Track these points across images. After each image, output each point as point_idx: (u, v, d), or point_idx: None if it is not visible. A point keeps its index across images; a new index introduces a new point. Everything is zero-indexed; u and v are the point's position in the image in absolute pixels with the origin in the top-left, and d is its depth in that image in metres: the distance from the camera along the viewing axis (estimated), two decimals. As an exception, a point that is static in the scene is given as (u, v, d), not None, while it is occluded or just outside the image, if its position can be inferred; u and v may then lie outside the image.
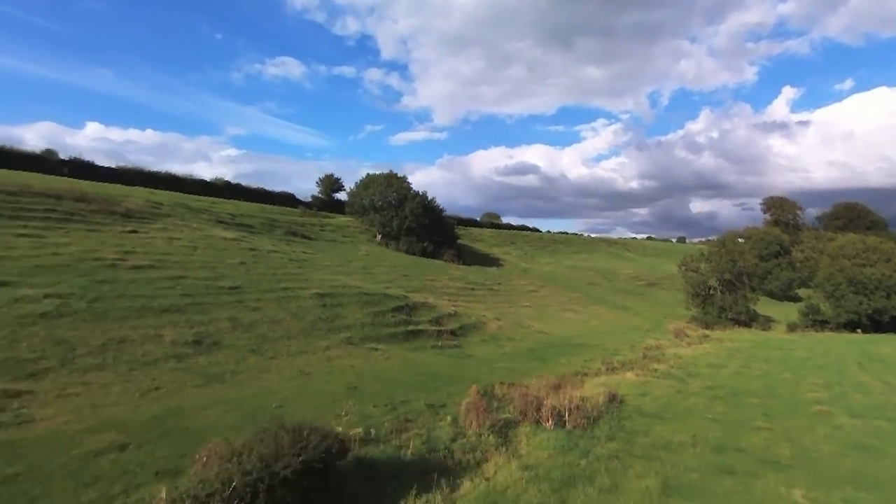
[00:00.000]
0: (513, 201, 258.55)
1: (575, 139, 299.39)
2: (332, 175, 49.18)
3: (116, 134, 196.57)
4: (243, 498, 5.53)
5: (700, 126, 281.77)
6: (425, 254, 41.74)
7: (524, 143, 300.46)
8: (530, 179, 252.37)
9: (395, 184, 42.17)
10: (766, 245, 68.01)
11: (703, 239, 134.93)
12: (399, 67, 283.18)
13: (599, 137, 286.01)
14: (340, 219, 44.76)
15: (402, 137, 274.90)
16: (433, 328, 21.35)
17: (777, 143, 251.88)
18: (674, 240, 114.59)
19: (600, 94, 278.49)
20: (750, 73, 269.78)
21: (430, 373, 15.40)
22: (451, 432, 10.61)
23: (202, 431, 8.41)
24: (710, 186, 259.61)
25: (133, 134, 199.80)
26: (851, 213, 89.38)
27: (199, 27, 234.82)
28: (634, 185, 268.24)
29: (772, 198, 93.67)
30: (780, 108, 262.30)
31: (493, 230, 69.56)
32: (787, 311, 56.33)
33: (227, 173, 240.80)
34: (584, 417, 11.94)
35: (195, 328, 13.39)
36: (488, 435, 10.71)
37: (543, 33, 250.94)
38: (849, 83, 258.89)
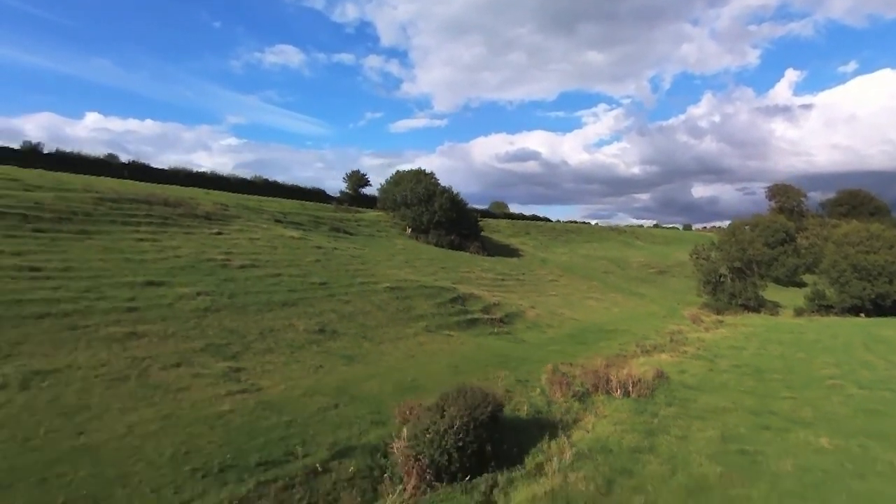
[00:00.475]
0: (514, 188, 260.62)
1: (576, 125, 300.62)
2: (358, 171, 51.74)
3: (116, 124, 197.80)
4: (460, 433, 8.35)
5: (702, 110, 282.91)
6: (453, 246, 44.46)
7: (525, 129, 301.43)
8: (531, 166, 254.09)
9: (423, 180, 44.81)
10: (772, 233, 70.77)
11: (709, 225, 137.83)
12: (399, 54, 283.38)
13: (601, 123, 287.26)
14: (371, 213, 47.44)
15: (403, 125, 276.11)
16: (486, 317, 24.13)
17: (779, 127, 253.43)
18: (680, 227, 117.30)
19: (601, 79, 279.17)
20: (752, 57, 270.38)
21: (502, 354, 18.23)
22: (544, 400, 13.45)
23: (375, 396, 11.26)
24: (712, 171, 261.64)
25: (132, 124, 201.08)
26: (855, 200, 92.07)
27: (198, 15, 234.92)
28: (636, 170, 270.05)
29: (777, 185, 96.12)
30: (782, 91, 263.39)
31: (508, 220, 72.21)
32: (792, 297, 59.07)
33: (228, 163, 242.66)
34: (644, 389, 14.80)
35: (313, 319, 16.18)
36: (573, 402, 13.57)
37: (544, 18, 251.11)
38: (852, 65, 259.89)
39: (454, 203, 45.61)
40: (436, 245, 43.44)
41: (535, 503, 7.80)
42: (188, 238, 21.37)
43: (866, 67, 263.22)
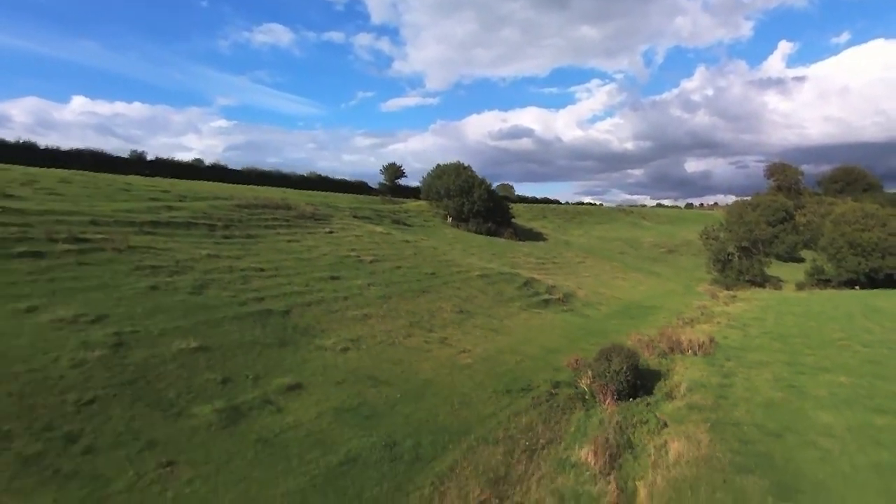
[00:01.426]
0: (508, 166, 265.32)
1: (569, 101, 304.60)
2: (394, 164, 56.47)
3: (104, 108, 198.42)
4: (627, 372, 13.64)
5: (695, 84, 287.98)
6: (489, 233, 49.66)
7: (518, 106, 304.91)
8: (525, 143, 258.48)
9: (462, 173, 49.73)
10: (773, 212, 76.67)
11: (706, 202, 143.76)
12: (390, 31, 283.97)
13: (594, 98, 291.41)
14: (412, 204, 52.37)
15: (395, 104, 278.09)
16: (552, 297, 29.38)
17: (772, 100, 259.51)
18: (682, 205, 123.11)
19: (595, 53, 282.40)
20: (746, 29, 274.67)
21: (584, 328, 23.56)
22: (641, 358, 18.80)
23: (536, 355, 16.54)
24: (705, 145, 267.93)
25: (120, 107, 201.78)
26: (849, 177, 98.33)
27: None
28: (629, 145, 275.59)
29: (775, 164, 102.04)
30: (775, 63, 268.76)
31: (525, 205, 77.29)
32: (792, 271, 65.07)
33: (219, 145, 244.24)
34: (706, 349, 20.24)
35: (448, 302, 21.35)
36: (659, 359, 18.94)
37: None
38: (845, 36, 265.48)
39: (490, 194, 50.67)
40: (475, 232, 48.58)
41: (678, 412, 13.13)
42: (315, 238, 26.32)
43: (859, 38, 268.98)
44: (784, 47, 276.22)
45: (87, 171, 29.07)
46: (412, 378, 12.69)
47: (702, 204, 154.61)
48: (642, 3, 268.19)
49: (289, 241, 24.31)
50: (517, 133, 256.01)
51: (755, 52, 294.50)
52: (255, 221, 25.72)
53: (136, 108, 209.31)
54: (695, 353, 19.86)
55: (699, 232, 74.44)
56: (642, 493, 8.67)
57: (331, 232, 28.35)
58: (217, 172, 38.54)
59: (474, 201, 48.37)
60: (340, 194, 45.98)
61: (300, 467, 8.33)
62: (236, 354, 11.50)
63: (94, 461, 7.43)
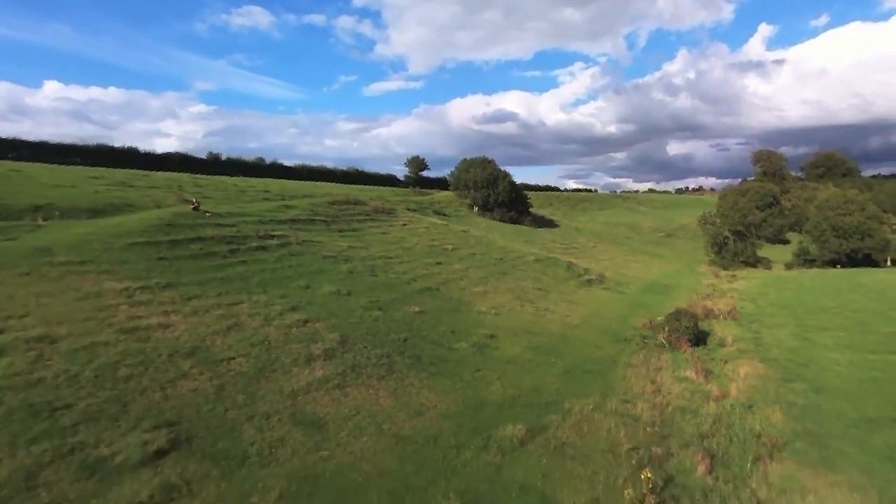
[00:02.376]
0: (492, 150, 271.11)
1: (552, 84, 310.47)
2: (418, 157, 61.45)
3: (78, 93, 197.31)
4: (692, 327, 19.43)
5: (677, 67, 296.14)
6: (512, 221, 55.21)
7: (501, 89, 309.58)
8: (509, 127, 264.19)
9: (487, 167, 55.09)
10: (761, 197, 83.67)
11: (689, 186, 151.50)
12: (371, 14, 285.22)
13: (577, 82, 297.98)
14: (439, 194, 57.60)
15: (377, 88, 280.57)
16: (591, 278, 35.14)
17: (752, 83, 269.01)
18: (671, 190, 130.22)
19: (577, 36, 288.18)
20: (727, 11, 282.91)
21: (629, 301, 29.32)
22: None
23: (613, 318, 22.25)
24: (687, 128, 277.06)
25: (95, 92, 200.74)
26: (830, 162, 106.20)
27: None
28: (612, 129, 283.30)
29: (760, 151, 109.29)
30: (755, 46, 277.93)
31: (532, 192, 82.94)
32: (780, 253, 72.00)
33: (198, 130, 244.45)
34: (734, 315, 26.19)
35: (526, 282, 26.88)
36: (701, 322, 24.80)
37: None
38: (824, 18, 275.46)
39: (512, 185, 56.20)
40: (500, 221, 54.07)
41: (731, 353, 18.93)
42: (397, 230, 31.55)
43: (837, 20, 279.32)
44: (764, 30, 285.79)
45: (203, 175, 33.62)
46: (552, 332, 18.25)
47: (687, 187, 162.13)
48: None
49: (382, 233, 29.51)
50: (501, 117, 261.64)
51: (736, 34, 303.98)
52: (347, 217, 30.82)
53: (112, 94, 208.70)
54: (725, 318, 25.80)
55: (693, 216, 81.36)
56: (733, 391, 14.36)
57: (404, 225, 33.54)
58: (274, 170, 43.19)
59: (499, 192, 53.82)
60: (376, 187, 50.97)
61: (537, 371, 13.82)
62: (441, 316, 16.89)
63: (433, 368, 12.80)
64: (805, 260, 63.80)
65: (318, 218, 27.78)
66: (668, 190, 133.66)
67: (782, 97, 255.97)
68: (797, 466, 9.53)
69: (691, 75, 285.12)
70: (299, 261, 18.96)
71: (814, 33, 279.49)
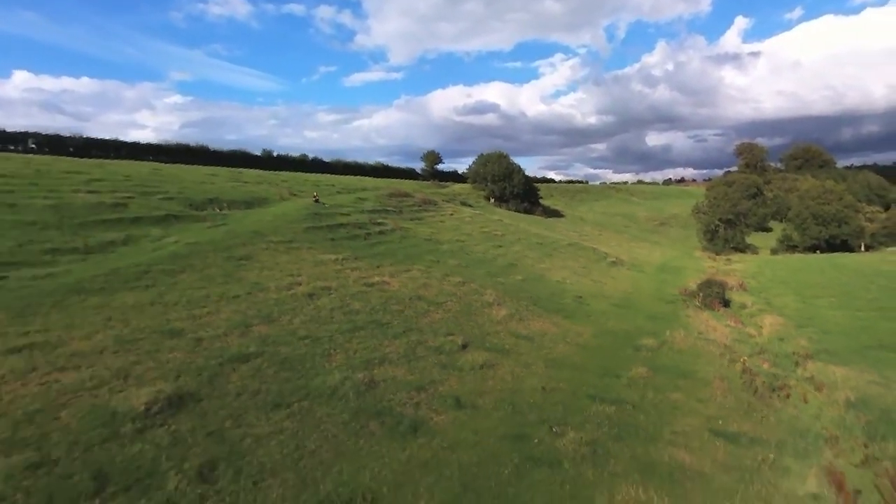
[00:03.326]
0: (473, 141, 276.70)
1: (533, 75, 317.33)
2: (433, 151, 66.55)
3: (49, 83, 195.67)
4: (722, 292, 25.29)
5: (656, 59, 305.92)
6: (525, 211, 60.85)
7: (482, 80, 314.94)
8: (490, 118, 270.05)
9: (503, 162, 60.58)
10: (746, 188, 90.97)
11: (674, 176, 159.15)
12: (351, 4, 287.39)
13: (557, 73, 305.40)
14: (456, 187, 62.87)
15: (358, 78, 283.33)
16: (614, 260, 40.93)
17: (729, 75, 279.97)
18: (660, 181, 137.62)
19: (558, 27, 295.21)
20: (705, 4, 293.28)
21: (652, 278, 35.18)
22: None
23: (654, 289, 28.01)
24: (666, 119, 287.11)
25: (67, 83, 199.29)
26: (807, 154, 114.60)
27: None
28: (592, 120, 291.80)
29: (742, 144, 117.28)
30: (732, 38, 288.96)
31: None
32: (763, 239, 79.29)
33: (175, 122, 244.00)
34: (744, 287, 32.19)
35: (572, 261, 32.48)
36: (718, 293, 30.74)
37: None
38: (798, 11, 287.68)
39: (526, 178, 61.83)
40: (515, 211, 59.63)
41: (754, 312, 24.76)
42: (450, 219, 36.79)
43: (811, 13, 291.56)
44: (740, 22, 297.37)
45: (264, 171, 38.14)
46: (618, 296, 23.84)
47: (671, 179, 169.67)
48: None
49: (440, 221, 34.72)
50: (482, 108, 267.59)
51: (713, 27, 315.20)
52: (406, 208, 35.92)
53: (85, 84, 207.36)
54: (737, 290, 31.79)
55: (682, 206, 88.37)
56: (765, 332, 20.12)
57: (452, 214, 38.78)
58: (317, 164, 47.77)
59: (514, 185, 59.42)
60: (402, 180, 55.94)
61: (629, 318, 19.32)
62: (535, 284, 22.29)
63: (561, 314, 18.17)
64: (788, 245, 71.11)
65: (388, 209, 32.83)
66: (656, 181, 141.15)
67: (758, 89, 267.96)
68: (824, 364, 15.20)
69: (670, 67, 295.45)
70: (412, 242, 24.12)
71: (788, 26, 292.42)
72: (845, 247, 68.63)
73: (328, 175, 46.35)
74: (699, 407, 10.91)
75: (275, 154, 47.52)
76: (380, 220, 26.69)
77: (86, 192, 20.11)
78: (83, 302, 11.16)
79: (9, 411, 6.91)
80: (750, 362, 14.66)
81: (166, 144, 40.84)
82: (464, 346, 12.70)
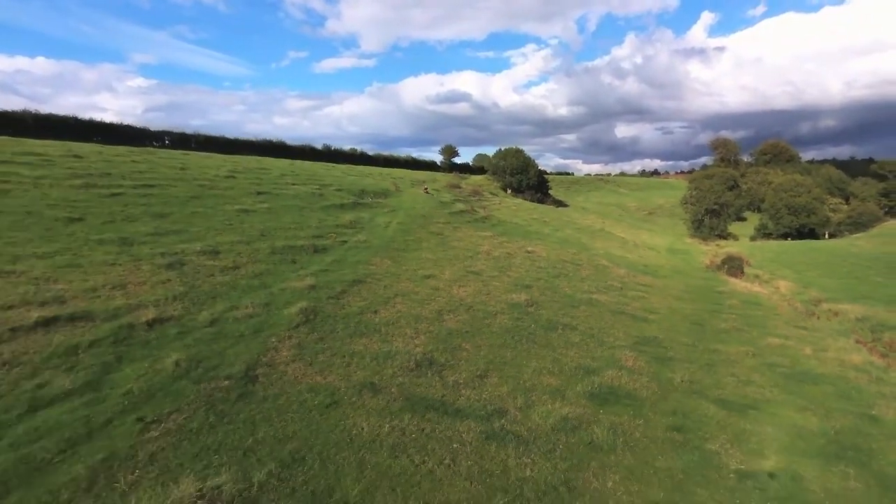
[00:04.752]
0: (445, 130, 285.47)
1: (505, 65, 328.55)
2: (450, 145, 73.87)
3: (2, 62, 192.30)
4: (741, 267, 33.96)
5: (625, 52, 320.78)
6: (539, 201, 68.96)
7: (455, 69, 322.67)
8: (462, 108, 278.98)
9: (520, 157, 68.50)
10: (724, 181, 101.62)
11: (648, 168, 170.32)
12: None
13: (529, 63, 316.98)
14: (475, 178, 70.43)
15: (329, 65, 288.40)
16: (634, 242, 49.44)
17: (695, 69, 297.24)
18: (634, 173, 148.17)
19: (530, 18, 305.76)
20: None
21: (677, 258, 43.79)
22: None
23: (684, 264, 36.51)
24: (634, 111, 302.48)
25: (22, 62, 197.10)
26: (776, 150, 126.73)
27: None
28: (563, 111, 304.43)
29: (717, 139, 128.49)
30: (698, 33, 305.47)
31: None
32: (740, 228, 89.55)
33: (138, 105, 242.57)
34: (750, 263, 41.10)
35: (611, 242, 40.73)
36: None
37: None
38: (761, 8, 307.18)
39: (539, 172, 69.96)
40: (531, 201, 67.64)
41: (765, 278, 33.43)
42: (504, 207, 44.49)
43: (774, 10, 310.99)
44: (706, 18, 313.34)
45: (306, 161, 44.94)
46: (670, 268, 32.03)
47: (643, 170, 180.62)
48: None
49: (498, 208, 42.39)
50: (455, 97, 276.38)
51: (681, 21, 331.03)
52: (469, 198, 43.38)
53: (41, 64, 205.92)
54: (746, 265, 40.63)
55: (665, 197, 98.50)
56: (782, 289, 28.62)
57: (500, 203, 46.48)
58: (364, 157, 54.49)
59: (530, 177, 67.42)
60: (433, 173, 63.20)
61: (690, 280, 27.51)
62: (613, 257, 30.28)
63: (652, 275, 26.19)
64: (764, 233, 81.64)
65: (463, 199, 40.27)
66: (625, 172, 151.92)
67: (722, 83, 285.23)
68: (834, 303, 23.62)
69: (638, 60, 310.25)
70: (506, 225, 31.71)
71: (752, 22, 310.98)
72: (812, 234, 79.56)
73: (380, 168, 53.13)
74: (776, 317, 19.04)
75: (332, 148, 53.78)
76: (474, 208, 34.12)
77: (290, 184, 26.72)
78: (403, 254, 18.33)
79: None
80: (789, 302, 22.98)
81: (257, 140, 46.61)
82: (621, 288, 20.49)
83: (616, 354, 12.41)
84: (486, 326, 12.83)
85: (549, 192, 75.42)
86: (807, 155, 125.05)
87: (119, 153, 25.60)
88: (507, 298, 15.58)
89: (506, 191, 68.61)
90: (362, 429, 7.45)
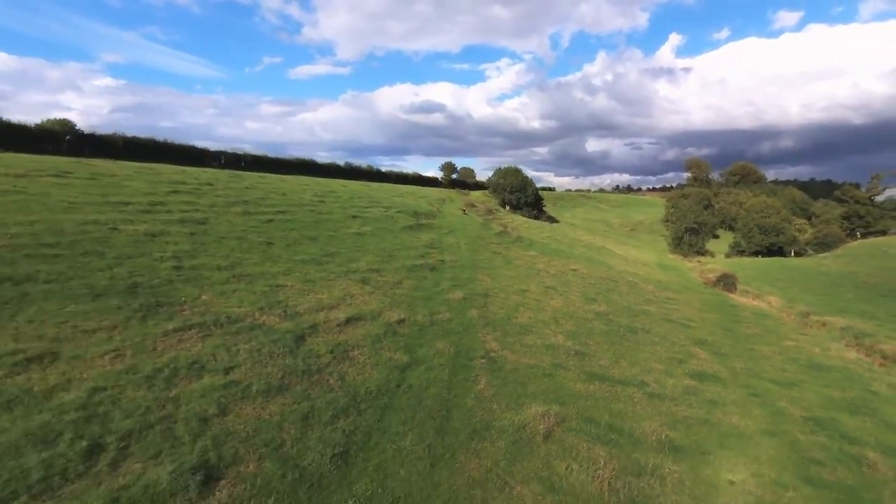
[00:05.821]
0: (419, 140, 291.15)
1: (479, 78, 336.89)
2: (450, 162, 78.87)
3: None
4: (734, 283, 39.85)
5: (596, 69, 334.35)
6: (535, 217, 74.51)
7: (430, 80, 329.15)
8: (436, 118, 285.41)
9: (518, 175, 74.00)
10: (699, 201, 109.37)
11: (621, 185, 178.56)
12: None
13: (503, 77, 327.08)
14: (475, 194, 75.55)
15: (304, 71, 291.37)
16: (628, 258, 55.16)
17: (663, 87, 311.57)
18: (607, 189, 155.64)
19: (505, 33, 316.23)
20: (642, 19, 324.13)
21: (670, 274, 49.54)
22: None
23: (682, 279, 42.22)
24: (605, 127, 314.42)
25: None
26: (744, 171, 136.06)
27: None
28: (536, 124, 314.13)
29: (691, 159, 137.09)
30: (666, 53, 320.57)
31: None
32: (713, 245, 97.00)
33: (104, 105, 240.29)
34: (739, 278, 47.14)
35: (613, 259, 46.22)
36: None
37: None
38: (725, 32, 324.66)
39: (535, 190, 75.55)
40: (527, 217, 73.07)
41: (756, 294, 39.29)
42: (518, 222, 49.55)
43: (737, 34, 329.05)
44: (674, 39, 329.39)
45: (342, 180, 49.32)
46: (677, 284, 37.49)
47: (619, 186, 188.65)
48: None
49: (524, 224, 47.43)
50: (429, 107, 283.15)
51: (650, 41, 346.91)
52: (489, 218, 48.32)
53: (2, 60, 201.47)
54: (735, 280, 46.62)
55: (644, 213, 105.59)
56: (773, 304, 34.33)
57: (513, 221, 51.56)
58: (378, 174, 58.82)
59: (528, 195, 72.94)
60: (439, 189, 67.96)
61: (689, 294, 32.87)
62: (631, 275, 35.56)
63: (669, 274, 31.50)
64: (738, 251, 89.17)
65: (485, 217, 45.15)
66: (595, 185, 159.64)
67: (689, 102, 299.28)
68: (820, 316, 29.25)
69: (609, 77, 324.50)
70: (536, 245, 36.69)
71: (717, 45, 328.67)
72: (781, 252, 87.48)
73: (402, 186, 57.66)
74: (784, 326, 24.46)
75: (353, 165, 58.15)
76: (507, 229, 39.06)
77: (364, 207, 31.04)
78: (492, 272, 22.92)
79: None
80: (787, 314, 28.57)
81: (291, 159, 50.51)
82: (657, 301, 25.62)
83: (688, 349, 17.43)
84: (593, 329, 17.68)
85: (544, 209, 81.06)
86: (768, 174, 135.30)
87: (226, 178, 29.56)
88: (589, 308, 20.47)
89: (504, 207, 73.90)
90: (576, 386, 12.18)
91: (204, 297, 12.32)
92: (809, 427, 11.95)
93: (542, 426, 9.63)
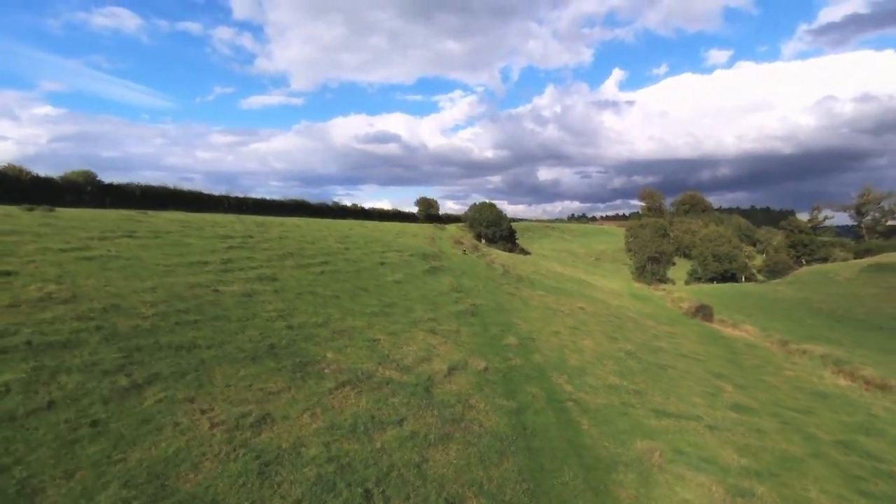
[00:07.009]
0: (374, 169, 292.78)
1: (433, 109, 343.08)
2: (426, 197, 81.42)
3: None
4: (709, 312, 43.51)
5: (545, 101, 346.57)
6: (509, 250, 77.62)
7: (384, 111, 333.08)
8: (392, 148, 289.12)
9: (493, 211, 77.17)
10: (656, 230, 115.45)
11: (576, 213, 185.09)
12: (253, 28, 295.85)
13: (456, 108, 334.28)
14: (451, 228, 78.18)
15: (256, 101, 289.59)
16: (601, 287, 58.56)
17: (608, 119, 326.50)
18: (562, 217, 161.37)
19: (458, 66, 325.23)
20: (587, 55, 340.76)
21: (648, 304, 53.06)
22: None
23: (659, 309, 45.66)
24: (555, 156, 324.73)
25: None
26: (693, 200, 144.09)
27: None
28: (489, 154, 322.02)
29: (644, 190, 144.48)
30: (610, 87, 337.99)
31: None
32: (672, 272, 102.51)
33: (42, 134, 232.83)
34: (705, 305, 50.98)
35: (594, 290, 49.40)
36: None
37: (405, 5, 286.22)
38: (664, 68, 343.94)
39: (510, 224, 78.83)
40: (501, 250, 76.05)
41: (732, 322, 42.94)
42: (501, 257, 52.24)
43: (674, 70, 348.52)
44: (617, 74, 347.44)
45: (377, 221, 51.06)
46: (666, 316, 40.68)
47: (576, 216, 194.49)
48: (501, 24, 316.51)
49: (508, 258, 50.09)
50: (384, 138, 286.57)
51: (595, 75, 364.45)
52: (479, 252, 50.83)
53: None
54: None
55: (605, 243, 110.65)
56: (750, 333, 37.87)
57: (497, 256, 54.22)
58: (361, 212, 60.64)
59: (503, 229, 76.10)
60: (419, 224, 70.21)
61: (691, 325, 35.99)
62: (620, 309, 38.51)
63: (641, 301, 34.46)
64: (695, 278, 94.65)
65: (470, 253, 47.58)
66: (547, 212, 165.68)
67: (633, 133, 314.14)
68: (801, 344, 32.73)
69: (558, 109, 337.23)
70: (537, 281, 39.24)
71: (656, 80, 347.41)
72: (734, 278, 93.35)
73: (375, 222, 59.51)
74: (772, 354, 27.61)
75: (340, 204, 59.66)
76: (507, 269, 41.51)
77: (383, 252, 32.76)
78: (518, 314, 25.12)
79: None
80: (770, 344, 31.93)
81: (286, 201, 51.60)
82: (662, 336, 28.42)
83: (714, 383, 20.08)
84: (632, 368, 20.12)
85: (517, 241, 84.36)
86: (709, 200, 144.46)
87: (255, 227, 30.85)
88: (617, 347, 22.95)
89: (479, 240, 76.69)
90: (650, 422, 14.46)
91: (329, 356, 14.02)
92: (840, 449, 14.58)
93: (652, 459, 11.83)
